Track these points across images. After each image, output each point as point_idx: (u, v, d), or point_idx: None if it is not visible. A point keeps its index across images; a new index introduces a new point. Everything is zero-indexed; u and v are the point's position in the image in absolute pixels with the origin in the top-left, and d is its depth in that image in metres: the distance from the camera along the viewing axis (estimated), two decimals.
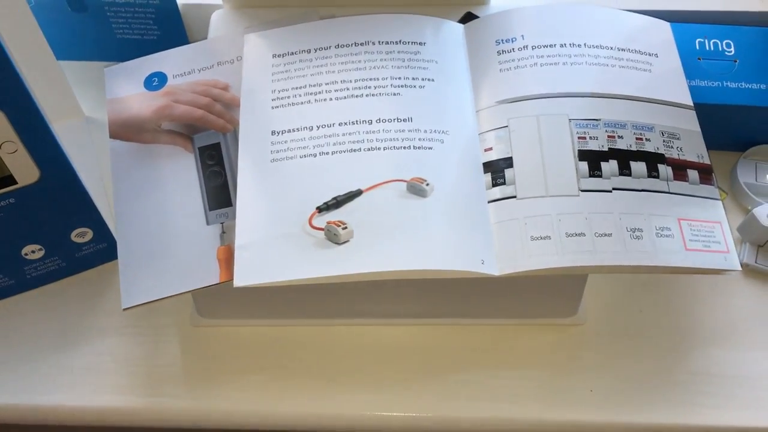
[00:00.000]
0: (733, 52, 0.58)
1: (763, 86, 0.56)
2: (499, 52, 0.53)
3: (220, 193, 0.49)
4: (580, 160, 0.48)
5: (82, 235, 0.53)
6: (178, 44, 0.62)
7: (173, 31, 0.62)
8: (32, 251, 0.52)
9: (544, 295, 0.52)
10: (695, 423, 0.50)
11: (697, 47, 0.59)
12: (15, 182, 0.47)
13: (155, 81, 0.54)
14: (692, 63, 0.58)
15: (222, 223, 0.48)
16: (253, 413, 0.51)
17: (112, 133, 0.52)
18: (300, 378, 0.52)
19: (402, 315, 0.54)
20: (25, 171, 0.47)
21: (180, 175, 0.50)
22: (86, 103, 0.64)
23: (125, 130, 0.52)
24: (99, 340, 0.54)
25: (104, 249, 0.55)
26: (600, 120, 0.50)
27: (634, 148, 0.49)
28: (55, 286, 0.56)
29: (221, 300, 0.52)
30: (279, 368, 0.53)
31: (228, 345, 0.53)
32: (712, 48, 0.58)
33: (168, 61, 0.55)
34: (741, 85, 0.57)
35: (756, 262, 0.56)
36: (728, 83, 0.57)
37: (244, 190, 0.48)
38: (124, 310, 0.46)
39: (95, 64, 0.65)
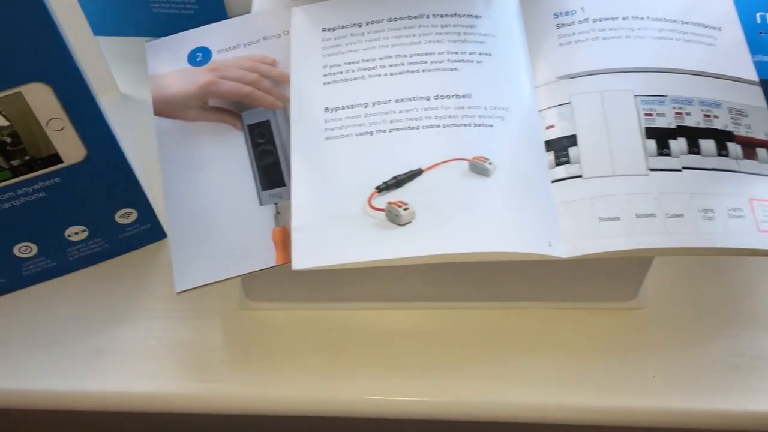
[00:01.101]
0: None
1: None
2: (558, 26, 0.51)
3: (272, 173, 0.47)
4: (648, 137, 0.46)
5: (126, 216, 0.52)
6: (216, 19, 0.60)
7: (212, 5, 0.60)
8: (75, 233, 0.51)
9: (603, 278, 0.51)
10: (762, 409, 0.49)
11: (758, 21, 0.56)
12: (61, 161, 0.46)
13: (199, 56, 0.52)
14: (754, 37, 0.55)
15: (276, 204, 0.47)
16: (304, 399, 0.50)
17: (157, 111, 0.50)
18: (352, 363, 0.51)
19: (454, 298, 0.53)
20: (72, 149, 0.45)
21: (229, 153, 0.48)
22: (121, 80, 0.62)
23: (170, 108, 0.50)
24: (144, 323, 0.53)
25: (147, 230, 0.54)
26: (666, 96, 0.48)
27: (702, 126, 0.47)
28: (96, 269, 0.55)
29: (270, 282, 0.51)
30: (330, 353, 0.51)
31: (277, 329, 0.52)
32: None
33: (212, 35, 0.53)
34: None
35: None
36: None
37: (299, 169, 0.46)
38: (178, 293, 0.45)
39: (130, 39, 0.63)
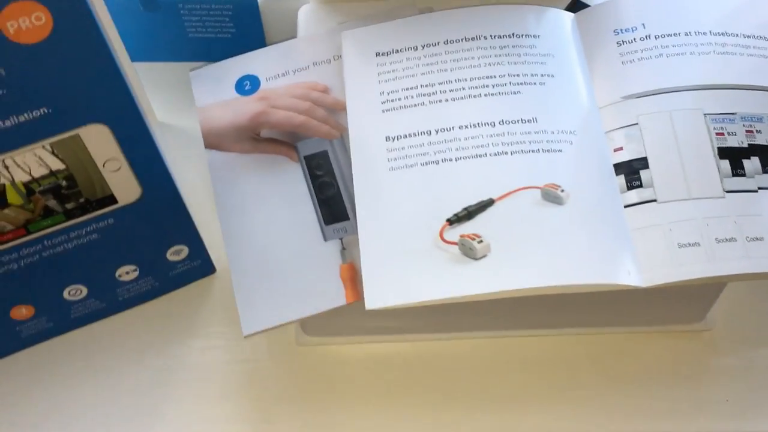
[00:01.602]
0: None
1: None
2: (618, 43, 0.49)
3: (334, 206, 0.46)
4: (721, 158, 0.45)
5: (177, 253, 0.50)
6: (254, 43, 0.59)
7: (250, 28, 0.58)
8: (126, 272, 0.49)
9: (673, 301, 0.49)
10: None
11: None
12: (115, 201, 0.44)
13: (247, 84, 0.50)
14: None
15: (341, 239, 0.45)
16: None
17: (207, 144, 0.49)
18: (420, 398, 0.49)
19: (518, 326, 0.51)
20: (127, 190, 0.44)
21: (287, 187, 0.47)
22: (159, 107, 0.60)
23: (220, 140, 0.48)
24: (199, 363, 0.51)
25: (198, 266, 0.52)
26: (736, 114, 0.46)
27: None
28: (145, 307, 0.53)
29: (329, 316, 0.49)
30: (396, 388, 0.50)
31: (338, 365, 0.50)
32: None
33: (258, 62, 0.51)
34: None
35: None
36: None
37: (363, 202, 0.44)
38: (246, 337, 0.43)
39: (165, 65, 0.61)
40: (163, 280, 0.51)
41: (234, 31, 0.58)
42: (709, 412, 0.49)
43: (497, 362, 0.51)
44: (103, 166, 0.42)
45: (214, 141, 0.49)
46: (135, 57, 0.59)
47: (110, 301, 0.51)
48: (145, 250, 0.48)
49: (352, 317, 0.49)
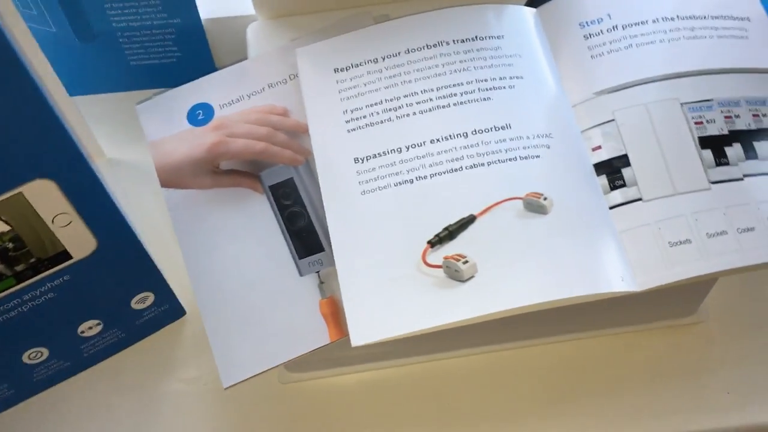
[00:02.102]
0: None
1: None
2: (585, 36, 0.47)
3: (307, 237, 0.43)
4: (703, 148, 0.43)
5: (143, 301, 0.47)
6: (202, 65, 0.56)
7: (196, 50, 0.55)
8: (89, 327, 0.46)
9: (663, 297, 0.48)
10: None
11: None
12: (69, 257, 0.41)
13: (200, 114, 0.47)
14: None
15: (318, 272, 0.42)
16: None
17: (164, 182, 0.45)
18: (415, 423, 0.47)
19: (507, 339, 0.49)
20: (81, 243, 0.40)
21: (254, 221, 0.44)
22: (106, 143, 0.57)
23: (178, 177, 0.45)
24: (176, 411, 0.48)
25: (166, 310, 0.49)
26: (713, 100, 0.45)
27: (753, 127, 0.45)
28: (114, 360, 0.49)
29: (313, 352, 0.46)
30: (385, 419, 0.47)
31: (324, 400, 0.48)
32: None
33: (210, 88, 0.48)
34: None
35: None
36: None
37: (338, 230, 0.42)
38: (226, 389, 0.40)
39: (109, 96, 0.58)
40: (130, 330, 0.48)
41: (179, 54, 0.55)
42: (711, 406, 0.47)
43: (492, 377, 0.49)
44: (52, 221, 0.38)
45: (170, 178, 0.45)
46: (75, 91, 0.55)
47: (75, 360, 0.47)
48: (108, 302, 0.45)
49: (335, 348, 0.47)
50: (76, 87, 0.56)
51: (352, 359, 0.48)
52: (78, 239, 0.40)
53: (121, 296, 0.45)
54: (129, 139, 0.56)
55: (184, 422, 0.47)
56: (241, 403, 0.48)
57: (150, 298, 0.47)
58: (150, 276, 0.45)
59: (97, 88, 0.57)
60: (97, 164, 0.55)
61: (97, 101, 0.58)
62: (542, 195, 0.42)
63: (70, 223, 0.39)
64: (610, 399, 0.48)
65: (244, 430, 0.47)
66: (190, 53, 0.55)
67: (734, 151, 0.44)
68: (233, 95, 0.47)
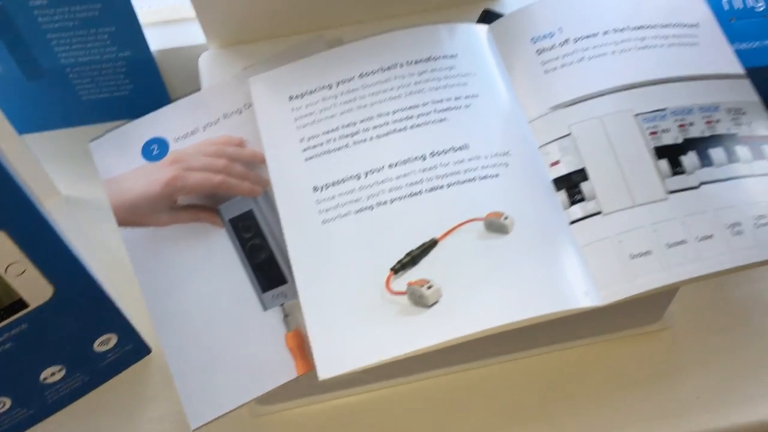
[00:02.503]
0: (763, 7, 0.55)
1: None
2: (538, 51, 0.47)
3: (269, 270, 0.42)
4: (659, 158, 0.44)
5: (105, 343, 0.46)
6: (155, 96, 0.55)
7: (149, 82, 0.54)
8: (52, 374, 0.45)
9: (629, 307, 0.48)
10: None
11: (726, 7, 0.55)
12: (26, 305, 0.40)
13: (155, 149, 0.46)
14: (726, 25, 0.53)
15: (282, 305, 0.42)
16: None
17: (120, 221, 0.44)
18: None
19: (479, 357, 0.49)
20: (37, 290, 0.39)
21: (215, 256, 0.43)
22: (61, 180, 0.56)
23: (135, 215, 0.44)
24: None
25: (131, 350, 0.48)
26: (666, 109, 0.45)
27: (707, 134, 0.45)
28: (79, 404, 0.48)
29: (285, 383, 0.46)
30: None
31: (299, 431, 0.47)
32: (741, 6, 0.55)
33: (163, 122, 0.47)
34: None
35: None
36: (767, 41, 0.53)
37: (300, 262, 0.41)
38: (194, 431, 0.40)
39: (63, 132, 0.57)
40: (95, 372, 0.47)
41: (132, 87, 0.54)
42: (682, 412, 0.48)
43: (463, 396, 0.48)
44: (6, 271, 0.37)
45: (127, 216, 0.45)
46: (26, 129, 0.54)
47: (38, 407, 0.46)
48: (69, 346, 0.44)
49: (305, 378, 0.46)
50: (26, 125, 0.55)
51: (322, 388, 0.48)
52: (33, 287, 0.39)
53: (82, 340, 0.44)
54: (85, 176, 0.55)
55: None
56: None
57: (113, 339, 0.46)
58: (111, 317, 0.45)
59: (50, 124, 0.56)
60: (53, 203, 0.54)
61: (50, 138, 0.56)
62: (503, 214, 0.42)
63: (24, 271, 0.38)
64: (581, 410, 0.48)
65: None
66: (143, 85, 0.54)
67: (689, 159, 0.44)
68: (188, 128, 0.47)
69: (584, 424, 0.47)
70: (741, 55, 0.53)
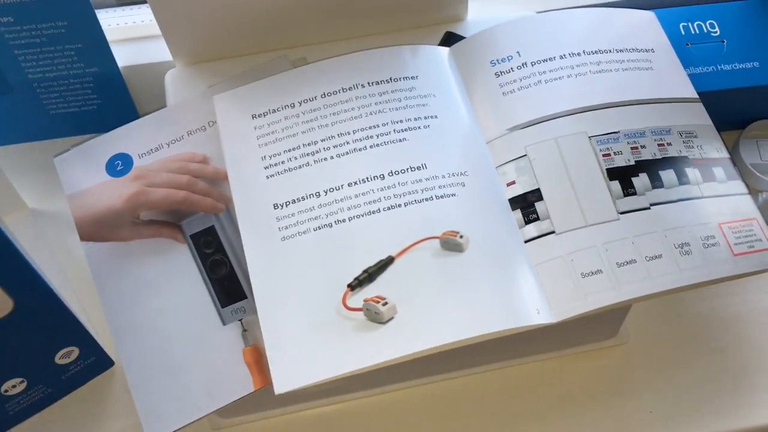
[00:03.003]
0: (718, 33, 0.56)
1: (756, 64, 0.55)
2: (497, 74, 0.49)
3: (229, 286, 0.43)
4: (611, 179, 0.45)
5: (67, 356, 0.46)
6: (123, 111, 0.56)
7: (116, 98, 0.55)
8: (13, 386, 0.45)
9: (583, 323, 0.49)
10: (764, 423, 0.48)
11: (683, 32, 0.56)
12: None
13: (119, 164, 0.47)
14: (682, 50, 0.55)
15: (241, 320, 0.42)
16: None
17: (83, 235, 0.45)
18: None
19: (435, 372, 0.50)
20: None
21: (176, 271, 0.44)
22: (27, 194, 0.56)
23: (98, 229, 0.45)
24: None
25: (93, 363, 0.48)
26: (619, 132, 0.47)
27: (658, 156, 0.47)
28: (42, 415, 0.49)
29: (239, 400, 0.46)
30: None
31: None
32: (697, 31, 0.56)
33: (128, 138, 0.48)
34: (735, 66, 0.55)
35: None
36: (721, 66, 0.55)
37: (259, 278, 0.42)
38: None
39: (29, 146, 0.57)
40: (56, 385, 0.47)
41: (99, 102, 0.55)
42: (635, 426, 0.49)
43: (423, 410, 0.49)
44: None
45: (89, 231, 0.45)
46: None
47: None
48: (30, 359, 0.44)
49: (267, 391, 0.47)
50: None
51: (283, 401, 0.48)
52: None
53: (44, 353, 0.45)
54: (51, 189, 0.56)
55: None
56: None
57: (75, 352, 0.46)
58: (73, 331, 0.45)
59: (17, 137, 0.57)
60: (19, 216, 0.55)
61: (17, 151, 0.57)
62: (458, 233, 0.43)
63: None
64: (535, 425, 0.49)
65: None
66: (110, 101, 0.55)
67: (641, 181, 0.45)
68: (152, 144, 0.47)
69: None
70: (696, 79, 0.54)
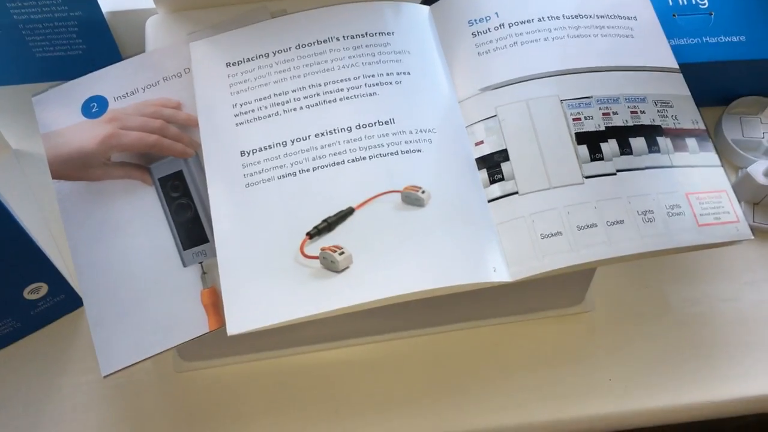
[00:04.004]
0: (707, 5, 0.56)
1: (742, 38, 0.54)
2: (474, 34, 0.49)
3: (192, 229, 0.44)
4: (579, 143, 0.45)
5: (36, 291, 0.47)
6: (108, 56, 0.56)
7: (101, 43, 0.55)
8: None
9: (549, 288, 0.50)
10: (723, 398, 0.48)
11: (671, 3, 0.56)
12: None
13: (94, 107, 0.47)
14: (668, 20, 0.55)
15: (201, 263, 0.43)
16: None
17: (55, 173, 0.46)
18: (304, 415, 0.48)
19: (399, 329, 0.51)
20: None
21: (142, 212, 0.45)
22: (11, 135, 0.57)
23: (69, 168, 0.46)
24: (73, 400, 0.48)
25: (62, 301, 0.49)
26: (592, 97, 0.47)
27: (630, 123, 0.46)
28: (12, 349, 0.50)
29: (207, 340, 0.47)
30: (280, 407, 0.48)
31: (219, 388, 0.49)
32: (685, 2, 0.56)
33: (105, 81, 0.48)
34: (720, 39, 0.54)
35: (754, 221, 0.54)
36: (707, 38, 0.54)
37: (221, 222, 0.42)
38: (105, 377, 0.41)
39: (15, 88, 0.58)
40: (25, 320, 0.48)
41: (84, 47, 0.55)
42: (594, 393, 0.49)
43: (383, 366, 0.50)
44: None
45: (61, 169, 0.46)
46: None
47: None
48: None
49: (229, 339, 0.48)
50: None
51: (247, 348, 0.49)
52: None
53: (11, 286, 0.46)
54: (35, 131, 0.56)
55: (78, 410, 0.48)
56: (136, 392, 0.49)
57: (43, 288, 0.47)
58: (41, 267, 0.46)
59: (3, 80, 0.57)
60: (2, 156, 0.55)
61: (2, 93, 0.58)
62: (420, 188, 0.43)
63: None
64: (496, 385, 0.49)
65: (137, 418, 0.48)
66: (95, 46, 0.55)
67: (609, 147, 0.45)
68: (128, 88, 0.48)
69: (495, 399, 0.49)
70: (679, 50, 0.54)
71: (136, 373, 0.49)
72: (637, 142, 0.46)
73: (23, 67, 0.56)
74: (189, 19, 0.51)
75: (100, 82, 0.48)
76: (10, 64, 0.56)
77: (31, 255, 0.45)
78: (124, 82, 0.48)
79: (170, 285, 0.43)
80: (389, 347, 0.50)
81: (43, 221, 0.53)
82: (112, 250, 0.44)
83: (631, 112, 0.47)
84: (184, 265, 0.43)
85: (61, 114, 0.48)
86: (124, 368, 0.41)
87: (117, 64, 0.49)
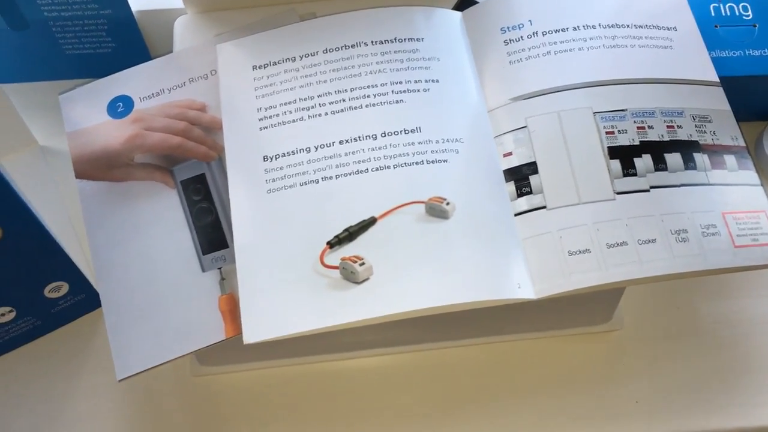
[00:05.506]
0: (751, 16, 0.54)
1: None
2: (506, 42, 0.47)
3: (212, 234, 0.43)
4: (611, 158, 0.44)
5: (56, 290, 0.47)
6: (136, 55, 0.56)
7: (130, 41, 0.55)
8: (1, 314, 0.46)
9: (576, 305, 0.48)
10: (754, 425, 0.47)
11: (713, 13, 0.54)
12: None
13: (120, 106, 0.47)
14: (710, 32, 0.53)
15: (220, 269, 0.42)
16: None
17: (78, 172, 0.46)
18: (320, 423, 0.47)
19: (422, 340, 0.49)
20: None
21: (163, 215, 0.44)
22: (39, 131, 0.57)
23: (93, 168, 0.46)
24: (89, 400, 0.48)
25: (83, 300, 0.49)
26: (627, 110, 0.45)
27: (666, 138, 0.45)
28: (31, 347, 0.50)
29: (224, 346, 0.47)
30: (296, 414, 0.48)
31: (235, 394, 0.48)
32: (728, 13, 0.54)
33: (132, 81, 0.48)
34: (764, 53, 0.52)
35: None
36: (750, 51, 0.52)
37: (241, 228, 0.42)
38: (120, 381, 0.41)
39: (45, 84, 0.58)
40: (45, 318, 0.48)
41: (114, 45, 0.55)
42: (619, 414, 0.47)
43: (399, 377, 0.49)
44: None
45: (85, 169, 0.46)
46: (6, 78, 0.56)
47: None
48: (19, 290, 0.45)
49: (247, 345, 0.47)
50: (7, 74, 0.56)
51: (264, 355, 0.48)
52: None
53: (32, 284, 0.46)
54: (62, 128, 0.56)
55: (94, 411, 0.48)
56: (152, 395, 0.48)
57: (64, 287, 0.47)
58: (61, 264, 0.46)
59: (32, 75, 0.57)
60: (29, 151, 0.56)
61: (32, 89, 0.58)
62: (445, 200, 0.42)
63: None
64: (519, 404, 0.48)
65: (153, 421, 0.48)
66: (124, 44, 0.55)
67: (643, 162, 0.44)
68: (154, 88, 0.48)
69: (514, 418, 0.47)
70: (721, 62, 0.52)
71: (153, 376, 0.48)
72: (673, 158, 0.44)
73: (53, 63, 0.56)
74: (217, 19, 0.51)
75: (127, 81, 0.48)
76: (40, 61, 0.56)
77: (52, 253, 0.45)
78: (150, 82, 0.48)
79: (188, 290, 0.42)
80: (405, 359, 0.49)
81: (67, 219, 0.53)
82: (131, 252, 0.43)
83: (668, 127, 0.45)
84: (203, 270, 0.43)
85: (87, 113, 0.47)
86: (139, 373, 0.41)
87: (144, 64, 0.48)
